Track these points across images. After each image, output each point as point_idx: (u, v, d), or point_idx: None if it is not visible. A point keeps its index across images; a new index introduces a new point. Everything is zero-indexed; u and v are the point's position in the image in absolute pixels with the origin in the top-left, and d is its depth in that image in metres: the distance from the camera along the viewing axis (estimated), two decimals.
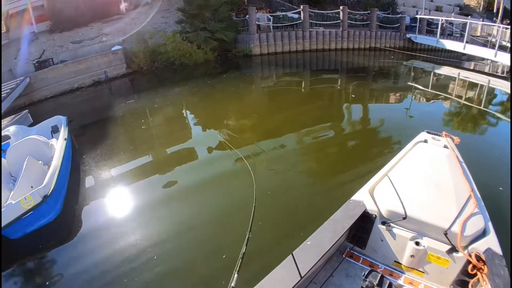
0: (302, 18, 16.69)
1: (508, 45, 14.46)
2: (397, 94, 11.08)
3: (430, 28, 18.76)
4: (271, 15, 17.28)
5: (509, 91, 10.82)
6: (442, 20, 16.87)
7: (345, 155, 6.53)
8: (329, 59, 16.74)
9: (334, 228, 2.81)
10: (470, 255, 2.56)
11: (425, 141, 4.12)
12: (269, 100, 10.79)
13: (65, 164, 5.61)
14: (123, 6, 18.53)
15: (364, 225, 3.09)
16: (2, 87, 11.58)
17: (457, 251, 2.67)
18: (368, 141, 7.17)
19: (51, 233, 4.52)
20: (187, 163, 6.37)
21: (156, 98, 10.79)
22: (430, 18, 18.98)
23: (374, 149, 6.71)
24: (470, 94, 11.01)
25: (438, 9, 26.06)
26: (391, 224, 2.96)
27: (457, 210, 2.84)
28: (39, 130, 6.98)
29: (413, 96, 10.65)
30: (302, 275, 2.33)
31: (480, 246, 2.62)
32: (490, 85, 11.96)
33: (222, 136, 7.36)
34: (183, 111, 10.01)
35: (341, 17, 17.20)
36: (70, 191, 5.41)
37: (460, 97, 10.45)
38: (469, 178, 3.32)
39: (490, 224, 2.79)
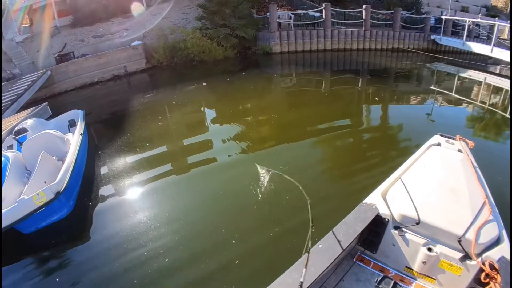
0: (323, 16, 16.43)
1: None
2: (419, 97, 10.76)
3: (455, 29, 18.16)
4: (292, 13, 17.07)
5: None
6: (468, 21, 16.31)
7: (362, 158, 6.31)
8: (350, 60, 16.43)
9: (346, 231, 2.76)
10: (483, 263, 2.51)
11: (439, 144, 4.04)
12: (288, 100, 10.62)
13: (80, 159, 5.58)
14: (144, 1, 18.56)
15: (376, 229, 3.03)
16: (24, 79, 11.75)
17: (470, 258, 2.61)
18: (387, 145, 6.94)
19: (64, 229, 4.50)
20: (202, 165, 6.23)
21: (174, 95, 10.77)
22: (456, 19, 18.39)
23: (392, 153, 6.51)
24: (493, 99, 10.60)
25: (464, 9, 25.30)
26: (404, 229, 2.89)
27: (472, 217, 2.77)
28: (56, 124, 7.00)
29: (435, 100, 10.33)
30: (313, 279, 2.29)
31: (493, 255, 2.56)
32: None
33: (239, 143, 7.22)
34: (201, 109, 9.93)
35: (363, 17, 16.85)
36: (84, 187, 5.39)
37: (484, 102, 10.05)
38: (484, 184, 3.24)
39: (504, 232, 2.73)
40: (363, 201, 3.17)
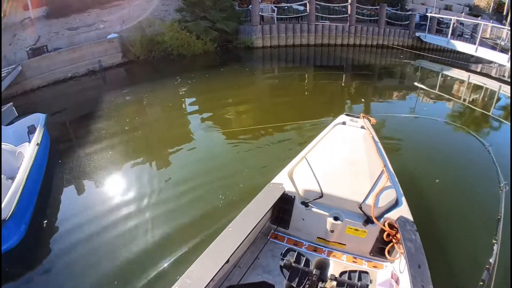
0: (307, 10, 16.10)
1: None
2: (401, 93, 10.78)
3: (439, 27, 18.11)
4: (275, 6, 16.66)
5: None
6: (453, 19, 16.22)
7: None
8: (334, 55, 16.18)
9: (254, 211, 2.89)
10: (384, 225, 2.84)
11: (344, 123, 4.38)
12: (269, 98, 10.24)
13: (35, 175, 4.92)
14: None
15: (285, 206, 3.25)
16: None
17: (372, 222, 2.89)
18: None
19: (15, 260, 3.87)
20: (177, 176, 5.53)
21: (149, 92, 10.25)
22: (441, 17, 18.29)
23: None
24: (474, 96, 10.64)
25: (448, 8, 25.26)
26: (310, 204, 3.12)
27: (370, 185, 3.07)
28: (15, 131, 6.20)
29: (418, 96, 10.40)
30: (225, 261, 2.35)
31: (392, 216, 2.88)
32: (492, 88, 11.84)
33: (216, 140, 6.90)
34: (178, 106, 9.43)
35: (348, 11, 16.62)
36: (40, 206, 4.75)
37: (469, 100, 10.20)
38: (383, 156, 3.63)
39: (402, 196, 3.08)
40: (271, 182, 3.34)
